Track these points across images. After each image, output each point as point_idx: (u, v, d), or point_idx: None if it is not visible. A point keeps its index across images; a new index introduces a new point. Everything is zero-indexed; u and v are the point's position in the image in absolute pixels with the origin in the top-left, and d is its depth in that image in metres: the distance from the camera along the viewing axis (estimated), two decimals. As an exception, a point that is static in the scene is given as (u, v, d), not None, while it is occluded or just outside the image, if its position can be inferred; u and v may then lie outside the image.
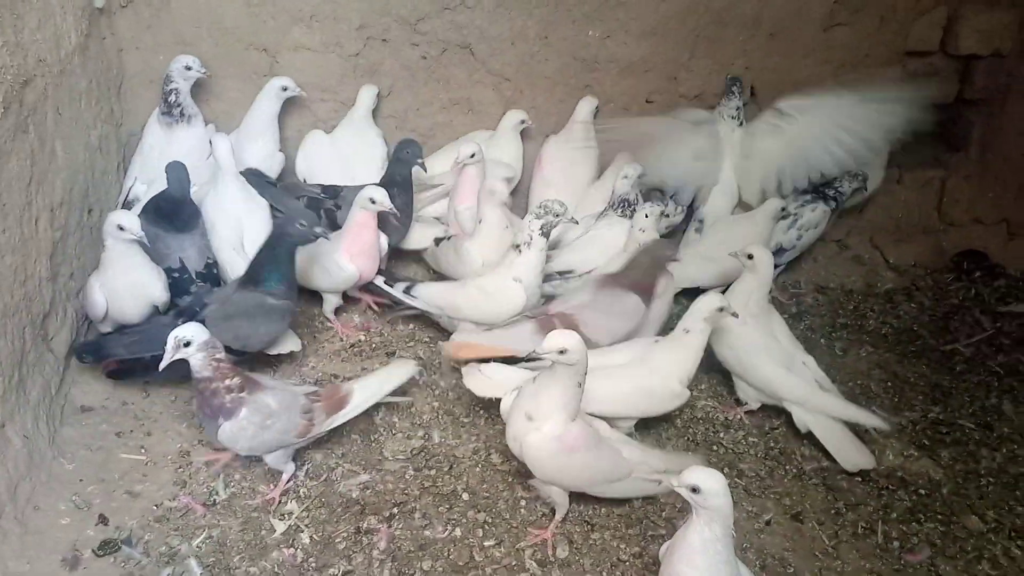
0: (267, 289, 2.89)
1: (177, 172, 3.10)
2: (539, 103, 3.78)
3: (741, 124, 3.64)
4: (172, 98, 3.41)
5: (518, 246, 3.06)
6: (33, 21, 2.72)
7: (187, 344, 2.41)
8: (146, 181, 3.39)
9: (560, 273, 3.39)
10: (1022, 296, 3.90)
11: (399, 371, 2.87)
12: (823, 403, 2.94)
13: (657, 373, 2.80)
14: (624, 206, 3.44)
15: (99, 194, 3.25)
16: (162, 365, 2.41)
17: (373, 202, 3.13)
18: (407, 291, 3.22)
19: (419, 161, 3.36)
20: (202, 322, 2.74)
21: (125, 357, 2.89)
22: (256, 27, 3.54)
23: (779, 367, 2.97)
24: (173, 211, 3.11)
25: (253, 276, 2.92)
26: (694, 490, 2.04)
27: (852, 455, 2.89)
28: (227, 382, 2.48)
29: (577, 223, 3.30)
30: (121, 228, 2.82)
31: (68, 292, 2.96)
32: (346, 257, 3.16)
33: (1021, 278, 4.04)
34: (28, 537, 2.41)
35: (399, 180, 3.35)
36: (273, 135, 3.56)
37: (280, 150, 3.60)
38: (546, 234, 3.04)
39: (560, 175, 3.72)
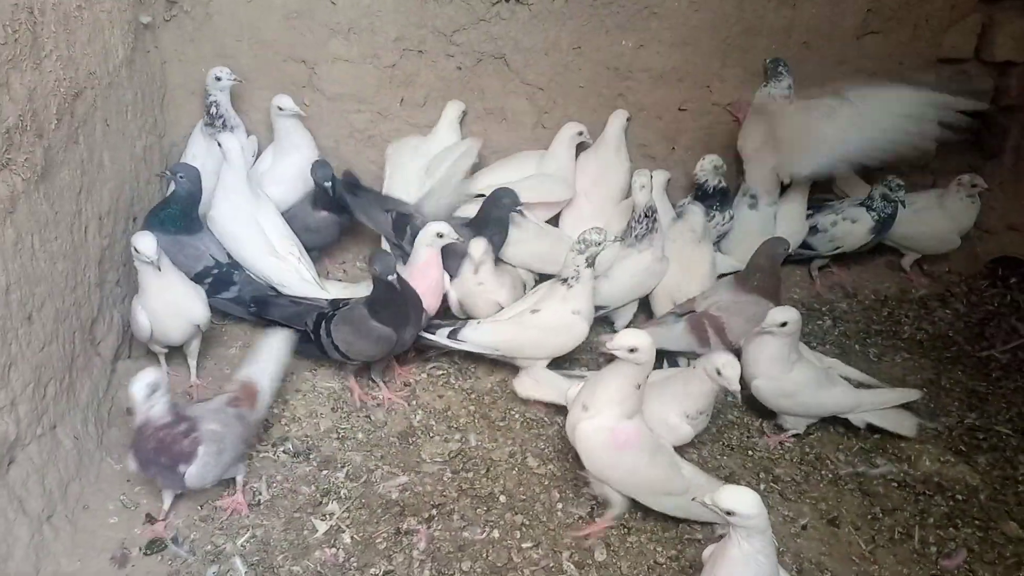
0: (378, 317, 2.91)
1: (191, 171, 3.20)
2: (572, 113, 3.81)
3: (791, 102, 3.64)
4: (213, 110, 3.50)
5: (566, 280, 3.03)
6: (84, 36, 2.80)
7: (156, 390, 2.37)
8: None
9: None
10: (1058, 303, 3.87)
11: (278, 343, 2.82)
12: (870, 402, 3.02)
13: (655, 401, 2.70)
14: (650, 216, 3.32)
15: (143, 203, 3.33)
16: (137, 423, 2.41)
17: (440, 236, 3.12)
18: (452, 335, 3.12)
19: (518, 208, 3.34)
20: (330, 319, 2.97)
21: (279, 322, 3.08)
22: (294, 39, 3.62)
23: (829, 388, 2.99)
24: (190, 212, 3.20)
25: (373, 302, 2.93)
26: (728, 513, 2.05)
27: (907, 422, 3.05)
28: (182, 425, 2.44)
29: (621, 240, 3.28)
30: (136, 251, 2.80)
31: (114, 298, 3.05)
32: None
33: (1057, 285, 4.00)
34: (79, 536, 2.48)
35: (493, 222, 3.34)
36: (306, 143, 3.60)
37: (319, 156, 3.63)
38: (592, 264, 3.02)
39: (591, 186, 3.74)
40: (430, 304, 3.17)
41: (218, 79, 3.47)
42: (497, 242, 3.36)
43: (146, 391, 2.34)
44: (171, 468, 2.43)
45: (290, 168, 3.56)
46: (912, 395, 3.08)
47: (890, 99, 3.43)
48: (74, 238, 2.73)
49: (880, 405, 3.03)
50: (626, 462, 2.53)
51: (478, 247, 3.19)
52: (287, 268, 3.29)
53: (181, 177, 3.18)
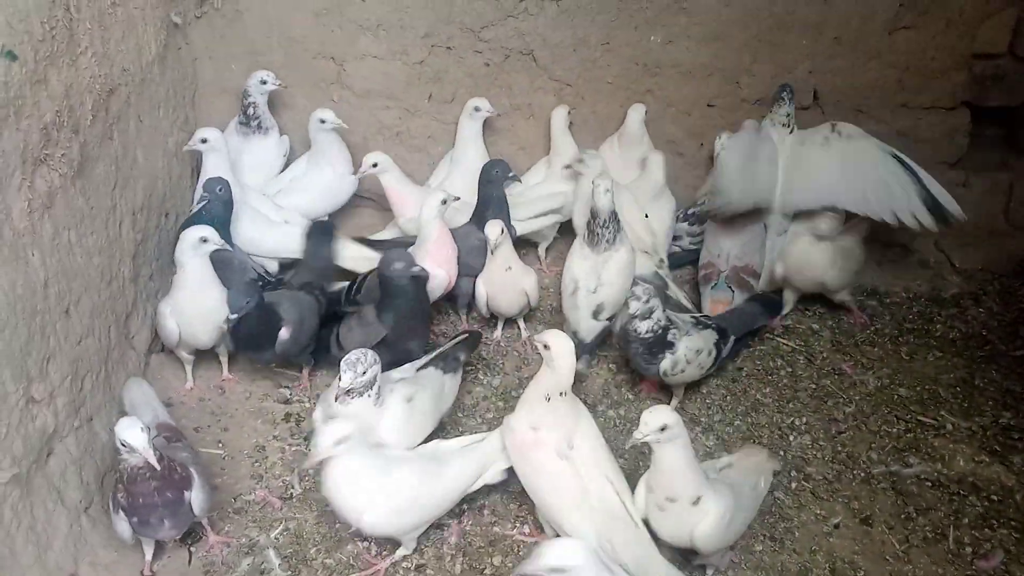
0: (384, 322, 2.91)
1: (222, 181, 3.16)
2: (599, 108, 3.81)
3: (792, 131, 3.54)
4: (251, 111, 3.53)
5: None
6: (118, 33, 2.84)
7: (148, 428, 2.22)
8: (221, 187, 3.52)
9: None
10: (1093, 301, 3.81)
11: (141, 387, 2.77)
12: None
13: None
14: (614, 220, 3.07)
15: (175, 199, 3.37)
16: (134, 464, 2.22)
17: (444, 203, 3.14)
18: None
19: (510, 175, 3.33)
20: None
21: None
22: (324, 36, 3.63)
23: None
24: (227, 223, 3.16)
25: (379, 305, 2.94)
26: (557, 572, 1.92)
27: None
28: (176, 453, 2.32)
29: (591, 248, 3.12)
30: (204, 240, 2.83)
31: (148, 292, 3.08)
32: (434, 264, 3.12)
33: (1092, 283, 3.94)
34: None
35: (495, 201, 3.32)
36: (341, 159, 3.60)
37: (353, 172, 3.60)
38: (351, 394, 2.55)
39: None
40: (451, 272, 3.22)
41: (263, 82, 3.48)
42: (503, 220, 3.30)
43: (145, 434, 2.18)
44: (178, 500, 2.30)
45: (320, 181, 3.58)
46: None
47: (870, 147, 3.34)
48: (109, 233, 2.76)
49: None
50: (524, 468, 2.49)
51: (494, 229, 3.12)
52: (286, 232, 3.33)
53: (220, 190, 3.14)
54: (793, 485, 2.83)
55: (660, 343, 2.92)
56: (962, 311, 3.72)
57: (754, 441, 3.00)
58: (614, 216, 3.07)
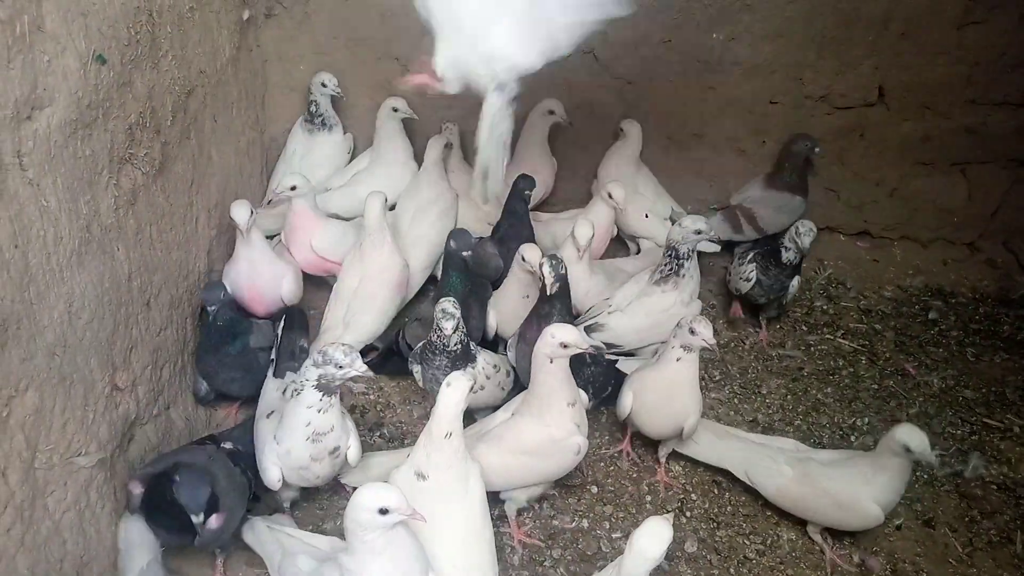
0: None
1: (219, 288, 2.88)
2: (660, 106, 3.81)
3: None
4: (313, 109, 3.63)
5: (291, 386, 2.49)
6: (196, 36, 2.94)
7: None
8: (290, 185, 3.62)
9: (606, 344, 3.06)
10: None
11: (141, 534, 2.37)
12: None
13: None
14: (672, 256, 2.98)
15: (246, 196, 3.45)
16: None
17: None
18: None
19: (526, 193, 3.34)
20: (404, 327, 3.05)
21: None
22: (389, 37, 3.70)
23: None
24: (240, 318, 2.96)
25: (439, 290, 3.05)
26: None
27: None
28: None
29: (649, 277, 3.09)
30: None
31: (221, 287, 3.19)
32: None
33: None
34: (191, 510, 2.61)
35: (515, 212, 3.35)
36: (404, 153, 3.67)
37: (414, 166, 3.67)
38: (323, 388, 2.33)
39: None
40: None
41: (324, 85, 3.58)
42: (515, 231, 3.32)
43: None
44: None
45: (384, 173, 3.64)
46: None
47: None
48: (186, 229, 2.88)
49: None
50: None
51: (533, 253, 2.93)
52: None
53: (223, 295, 2.84)
54: (854, 485, 2.82)
55: (465, 356, 2.66)
56: (1032, 312, 3.65)
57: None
58: (674, 253, 2.98)
